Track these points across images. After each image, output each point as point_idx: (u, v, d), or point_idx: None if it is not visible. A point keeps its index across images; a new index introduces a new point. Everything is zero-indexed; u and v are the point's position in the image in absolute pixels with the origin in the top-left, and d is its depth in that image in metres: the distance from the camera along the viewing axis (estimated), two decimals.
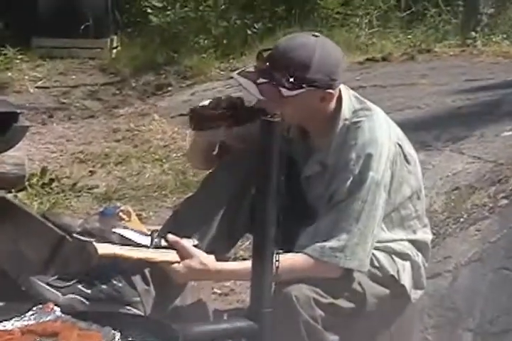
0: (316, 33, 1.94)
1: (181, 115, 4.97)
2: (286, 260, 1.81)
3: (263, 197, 1.61)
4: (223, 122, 1.93)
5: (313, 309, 1.80)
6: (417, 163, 2.01)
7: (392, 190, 1.92)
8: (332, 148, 1.92)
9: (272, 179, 1.60)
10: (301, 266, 1.84)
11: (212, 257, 1.85)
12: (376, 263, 1.93)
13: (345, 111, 1.92)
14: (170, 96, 5.51)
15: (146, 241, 1.85)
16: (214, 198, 1.97)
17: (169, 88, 5.69)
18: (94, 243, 1.76)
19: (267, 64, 1.86)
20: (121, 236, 1.88)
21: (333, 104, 1.92)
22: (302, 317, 1.79)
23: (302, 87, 1.84)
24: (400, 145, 1.94)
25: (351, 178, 1.86)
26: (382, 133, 1.89)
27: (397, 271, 1.96)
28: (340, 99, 1.93)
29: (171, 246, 1.82)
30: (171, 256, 1.82)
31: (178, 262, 1.81)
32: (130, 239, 1.87)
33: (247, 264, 1.73)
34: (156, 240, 1.83)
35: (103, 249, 1.76)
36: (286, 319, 1.75)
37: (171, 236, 1.84)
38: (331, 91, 1.88)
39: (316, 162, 1.95)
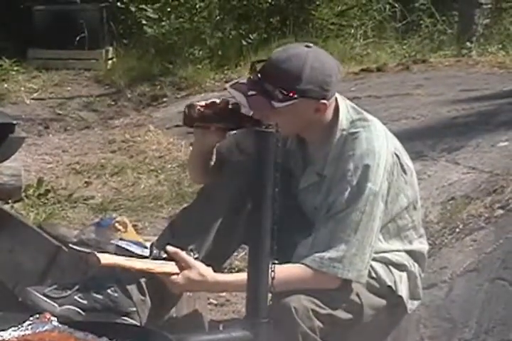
0: (310, 44, 1.95)
1: (176, 126, 4.98)
2: (284, 271, 1.81)
3: (258, 208, 1.61)
4: (216, 123, 1.93)
5: (312, 320, 1.80)
6: (414, 173, 2.02)
7: (389, 200, 1.92)
8: (329, 158, 1.92)
9: (268, 190, 1.61)
10: (299, 277, 1.84)
11: (210, 269, 1.85)
12: (373, 274, 1.94)
13: (343, 122, 1.92)
14: (165, 107, 5.52)
15: (144, 252, 1.85)
16: (211, 209, 1.97)
17: (164, 99, 5.70)
18: (96, 253, 1.76)
19: (259, 75, 1.87)
20: (119, 246, 1.88)
21: (329, 115, 1.92)
22: (301, 328, 1.79)
23: (293, 99, 1.85)
24: (397, 156, 1.95)
25: (349, 189, 1.87)
26: (380, 144, 1.90)
27: (394, 282, 1.96)
28: (337, 109, 1.93)
29: (170, 257, 1.82)
30: (170, 267, 1.82)
31: (178, 273, 1.81)
32: (128, 250, 1.88)
33: (245, 276, 1.73)
34: (154, 252, 1.84)
35: (105, 259, 1.77)
36: (284, 330, 1.75)
37: (170, 248, 1.84)
38: (324, 101, 1.89)
39: (313, 172, 1.95)
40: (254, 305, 1.59)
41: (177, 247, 1.88)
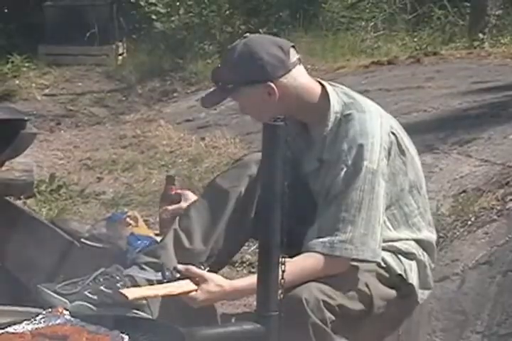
0: (247, 35, 2.03)
1: (187, 121, 4.99)
2: (298, 263, 1.81)
3: (268, 201, 1.61)
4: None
5: (323, 312, 1.79)
6: (416, 157, 2.01)
7: (389, 179, 1.91)
8: (327, 142, 1.93)
9: (277, 183, 1.60)
10: (313, 266, 1.82)
11: (223, 279, 1.85)
12: (382, 264, 1.93)
13: (335, 105, 1.93)
14: (175, 102, 5.53)
15: (158, 276, 1.87)
16: (219, 203, 1.97)
17: (175, 94, 5.71)
18: (121, 291, 1.78)
19: (215, 80, 1.99)
20: (132, 276, 1.90)
21: (314, 98, 1.93)
22: (311, 319, 1.78)
23: (236, 87, 1.93)
24: (394, 135, 1.94)
25: (345, 169, 1.86)
26: (373, 124, 1.89)
27: (404, 271, 1.95)
28: (326, 94, 1.94)
29: (183, 275, 1.82)
30: (188, 285, 1.83)
31: (196, 289, 1.81)
32: (142, 277, 1.89)
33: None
34: (167, 273, 1.84)
35: (132, 294, 1.79)
36: (295, 321, 1.74)
37: (180, 266, 1.84)
38: (269, 84, 1.91)
39: (313, 158, 1.96)
40: (265, 298, 1.59)
41: (185, 243, 1.89)
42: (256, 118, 1.98)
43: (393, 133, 1.94)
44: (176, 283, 1.82)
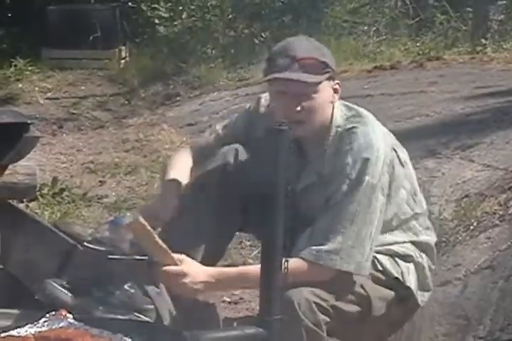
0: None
1: (190, 125, 4.99)
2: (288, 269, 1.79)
3: (271, 206, 1.62)
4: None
5: (315, 314, 1.79)
6: (410, 165, 2.02)
7: (391, 194, 1.92)
8: (327, 156, 1.92)
9: (280, 187, 1.61)
10: (298, 271, 1.82)
11: (214, 268, 1.86)
12: (379, 267, 1.93)
13: (337, 119, 1.93)
14: (178, 106, 5.53)
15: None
16: (201, 199, 1.98)
17: (178, 98, 5.71)
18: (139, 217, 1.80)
19: (286, 60, 1.86)
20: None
21: (328, 112, 1.92)
22: (304, 322, 1.78)
23: (325, 73, 1.87)
24: (394, 150, 1.96)
25: (347, 182, 1.87)
26: (377, 137, 1.90)
27: (402, 273, 1.96)
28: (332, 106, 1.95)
29: (175, 263, 1.83)
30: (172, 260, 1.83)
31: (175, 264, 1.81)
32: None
33: (241, 269, 1.77)
34: None
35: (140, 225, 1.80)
36: (288, 325, 1.73)
37: (177, 256, 1.84)
38: (338, 81, 1.91)
39: (311, 172, 1.95)
40: (268, 302, 1.59)
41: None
42: (301, 113, 1.87)
43: (394, 149, 1.96)
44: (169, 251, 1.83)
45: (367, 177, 1.86)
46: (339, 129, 1.92)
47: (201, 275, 1.82)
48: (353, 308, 1.87)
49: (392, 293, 1.94)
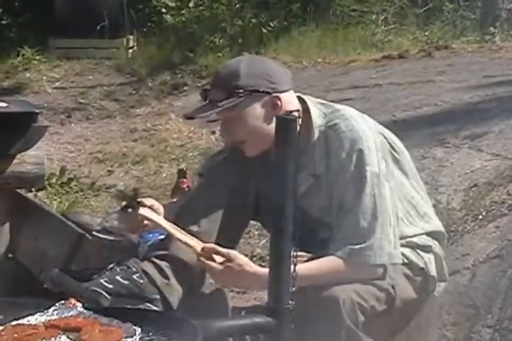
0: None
1: None
2: (322, 264, 1.84)
3: (280, 195, 1.62)
4: None
5: (357, 314, 1.81)
6: (406, 152, 2.02)
7: (389, 179, 1.92)
8: (317, 156, 1.92)
9: (289, 177, 1.60)
10: (334, 269, 1.84)
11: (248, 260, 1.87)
12: (404, 260, 1.94)
13: (316, 119, 1.93)
14: (186, 96, 5.53)
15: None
16: (214, 190, 1.99)
17: (185, 87, 5.70)
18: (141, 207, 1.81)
19: (206, 95, 1.91)
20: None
21: (303, 115, 1.90)
22: (346, 322, 1.78)
23: (239, 95, 1.87)
24: (382, 134, 1.96)
25: (351, 179, 1.87)
26: (362, 128, 1.90)
27: (425, 264, 1.97)
28: (306, 108, 1.94)
29: (209, 253, 1.84)
30: (194, 242, 1.84)
31: (203, 249, 1.82)
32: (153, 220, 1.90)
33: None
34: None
35: (145, 211, 1.81)
36: (328, 322, 1.75)
37: (207, 245, 1.85)
38: (277, 95, 1.89)
39: (306, 175, 1.94)
40: (277, 291, 1.59)
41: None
42: (236, 134, 1.91)
43: (381, 133, 1.96)
44: (189, 235, 1.84)
45: (367, 168, 1.87)
46: (322, 128, 1.92)
47: (240, 274, 1.82)
48: (382, 307, 1.88)
49: (414, 294, 1.95)
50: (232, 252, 1.85)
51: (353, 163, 1.87)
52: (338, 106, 1.98)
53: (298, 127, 1.74)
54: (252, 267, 1.84)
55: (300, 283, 1.67)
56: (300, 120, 1.86)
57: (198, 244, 1.84)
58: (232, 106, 1.87)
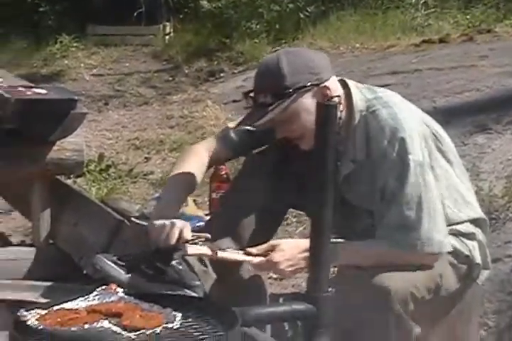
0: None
1: (234, 101, 4.97)
2: (369, 248, 1.84)
3: (320, 180, 1.60)
4: None
5: (408, 303, 1.80)
6: (448, 140, 2.00)
7: (433, 166, 1.90)
8: (357, 142, 1.90)
9: (329, 164, 1.59)
10: (383, 258, 1.84)
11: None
12: (450, 248, 1.92)
13: (358, 104, 1.91)
14: (222, 83, 5.51)
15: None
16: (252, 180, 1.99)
17: (222, 74, 5.69)
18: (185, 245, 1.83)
19: (253, 99, 1.89)
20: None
21: (344, 100, 1.90)
22: (397, 311, 1.78)
23: (290, 95, 1.85)
24: (425, 123, 1.94)
25: (394, 168, 1.85)
26: (405, 116, 1.88)
27: (470, 251, 1.96)
28: (348, 93, 1.92)
29: (263, 254, 1.86)
30: (244, 255, 1.87)
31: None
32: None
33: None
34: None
35: (192, 249, 1.83)
36: (379, 311, 1.75)
37: (249, 249, 1.87)
38: (325, 84, 1.87)
39: (347, 161, 1.93)
40: (317, 278, 1.58)
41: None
42: (293, 131, 1.89)
43: (424, 123, 1.93)
44: (238, 252, 1.87)
45: (410, 157, 1.84)
46: (363, 113, 1.90)
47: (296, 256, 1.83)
48: (428, 296, 1.87)
49: (457, 284, 1.94)
50: (272, 242, 1.86)
51: (395, 151, 1.85)
52: (382, 91, 1.95)
53: (338, 113, 1.73)
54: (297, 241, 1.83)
55: (343, 262, 1.67)
56: (341, 105, 1.85)
57: (247, 256, 1.86)
58: (285, 108, 1.86)
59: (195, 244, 1.86)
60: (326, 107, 1.61)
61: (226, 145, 2.08)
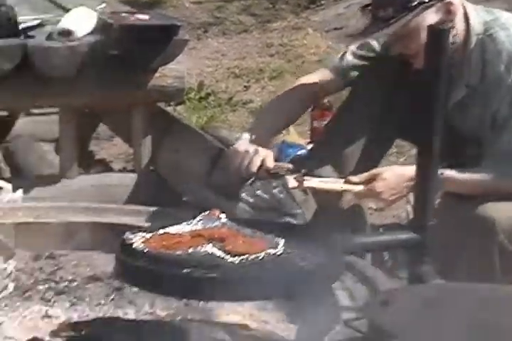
0: None
1: (335, 29, 4.85)
2: (477, 178, 1.79)
3: (429, 108, 1.54)
4: None
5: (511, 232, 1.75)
6: None
7: None
8: (473, 66, 1.83)
9: (439, 91, 1.52)
10: (488, 183, 1.79)
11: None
12: None
13: (475, 26, 1.82)
14: (323, 10, 5.37)
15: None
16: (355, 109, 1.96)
17: (322, 1, 5.54)
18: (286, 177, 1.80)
19: (372, 13, 1.80)
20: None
21: (460, 21, 1.80)
22: (499, 238, 1.74)
23: (415, 8, 1.76)
24: None
25: (508, 93, 1.78)
26: None
27: None
28: (466, 14, 1.82)
29: (364, 181, 1.82)
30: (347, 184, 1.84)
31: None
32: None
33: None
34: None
35: (292, 183, 1.81)
36: (482, 240, 1.72)
37: (351, 177, 1.84)
38: (450, 0, 1.78)
39: (461, 85, 1.86)
40: (423, 207, 1.54)
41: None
42: (410, 48, 1.81)
43: None
44: (340, 181, 1.83)
45: None
46: (480, 36, 1.82)
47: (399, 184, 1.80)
48: None
49: None
50: (374, 171, 1.82)
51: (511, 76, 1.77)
52: (502, 12, 1.86)
53: (451, 38, 1.65)
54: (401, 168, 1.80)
55: (448, 190, 1.62)
56: (456, 28, 1.76)
57: (346, 185, 1.83)
58: (407, 21, 1.78)
59: (277, 173, 1.83)
60: (437, 32, 1.53)
61: (338, 74, 2.02)
